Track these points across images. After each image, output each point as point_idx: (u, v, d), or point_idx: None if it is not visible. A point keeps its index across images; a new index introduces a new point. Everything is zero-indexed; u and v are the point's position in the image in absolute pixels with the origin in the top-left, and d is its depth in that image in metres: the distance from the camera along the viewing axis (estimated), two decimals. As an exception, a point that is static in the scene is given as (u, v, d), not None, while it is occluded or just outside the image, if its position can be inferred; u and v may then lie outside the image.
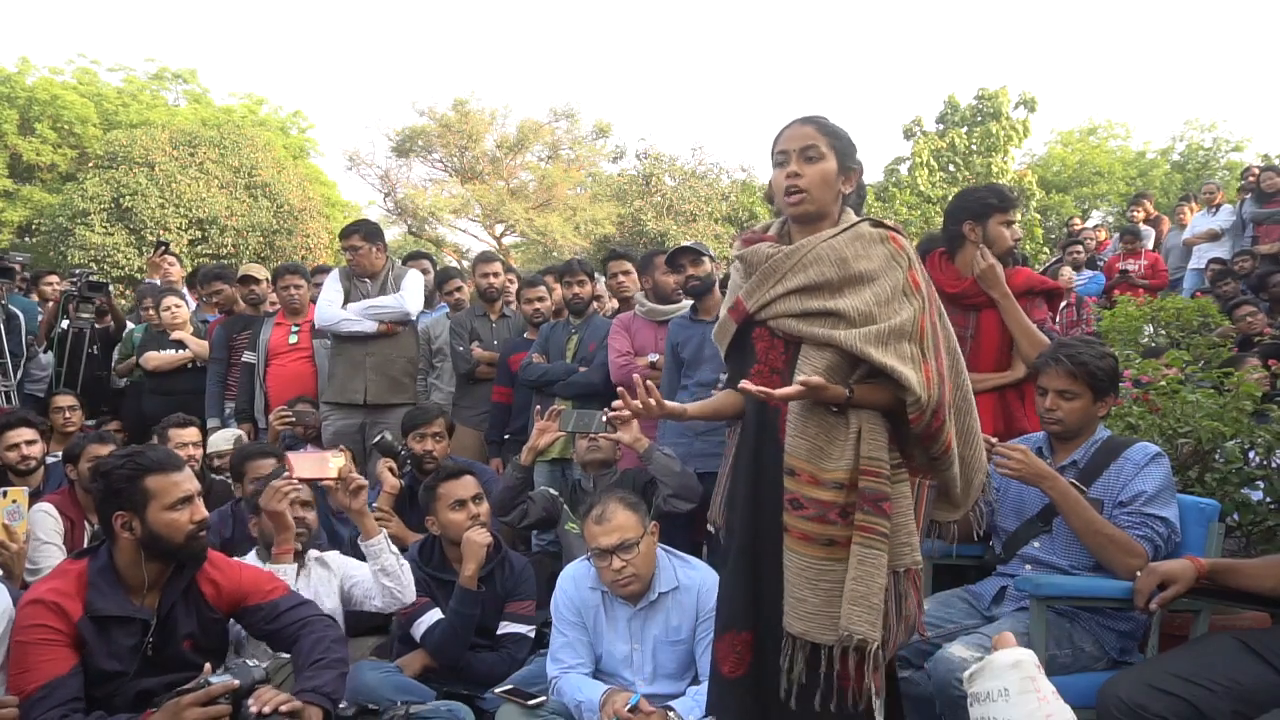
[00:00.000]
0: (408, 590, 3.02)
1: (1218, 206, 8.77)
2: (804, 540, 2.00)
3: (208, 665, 2.28)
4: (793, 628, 2.00)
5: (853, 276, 2.03)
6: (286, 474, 2.97)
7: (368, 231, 4.92)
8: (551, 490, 3.81)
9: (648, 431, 3.68)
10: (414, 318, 5.04)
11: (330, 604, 2.91)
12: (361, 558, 3.10)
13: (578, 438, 3.77)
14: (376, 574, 2.96)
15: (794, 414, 2.06)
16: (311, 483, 3.15)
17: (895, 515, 1.99)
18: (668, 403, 2.19)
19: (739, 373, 2.18)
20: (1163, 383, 3.39)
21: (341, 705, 2.44)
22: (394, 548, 3.02)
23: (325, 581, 3.01)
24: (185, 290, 6.53)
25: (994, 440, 2.57)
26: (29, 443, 3.93)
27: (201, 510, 2.43)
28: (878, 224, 2.11)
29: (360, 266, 4.84)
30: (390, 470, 3.98)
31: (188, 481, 2.42)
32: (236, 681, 2.16)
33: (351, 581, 3.09)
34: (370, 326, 4.74)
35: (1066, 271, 7.80)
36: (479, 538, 3.14)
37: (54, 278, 7.07)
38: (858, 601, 1.94)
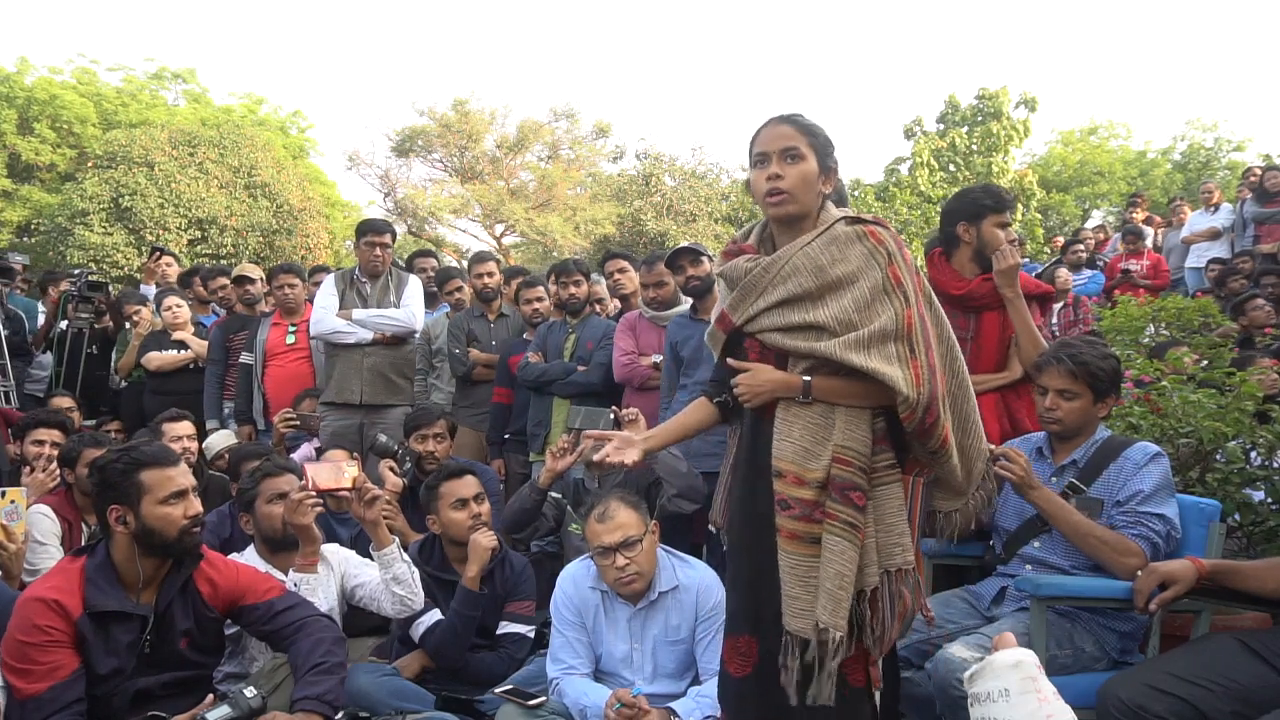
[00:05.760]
0: (419, 598, 3.01)
1: (1216, 206, 8.77)
2: (793, 539, 2.03)
3: (209, 697, 2.29)
4: (790, 625, 2.02)
5: (831, 283, 2.02)
6: (303, 485, 2.97)
7: (394, 232, 5.02)
8: (555, 494, 3.79)
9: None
10: (418, 333, 5.05)
11: (327, 603, 2.89)
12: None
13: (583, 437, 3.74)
14: (389, 582, 2.95)
15: (780, 418, 2.07)
16: (329, 493, 3.15)
17: (885, 515, 2.01)
18: (638, 439, 2.25)
19: (730, 378, 2.19)
20: (1164, 382, 3.38)
21: (337, 717, 2.43)
22: (406, 556, 3.01)
23: (324, 580, 3.00)
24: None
25: (992, 446, 2.57)
26: (54, 444, 3.94)
27: (195, 505, 2.43)
28: (855, 220, 2.07)
29: (374, 266, 4.84)
30: (391, 470, 3.99)
31: (182, 476, 2.42)
32: (234, 714, 2.18)
33: (356, 582, 3.08)
34: (366, 336, 4.74)
35: (1063, 273, 7.79)
36: (486, 541, 3.14)
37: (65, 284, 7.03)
38: (821, 587, 1.97)
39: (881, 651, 2.04)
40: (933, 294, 2.14)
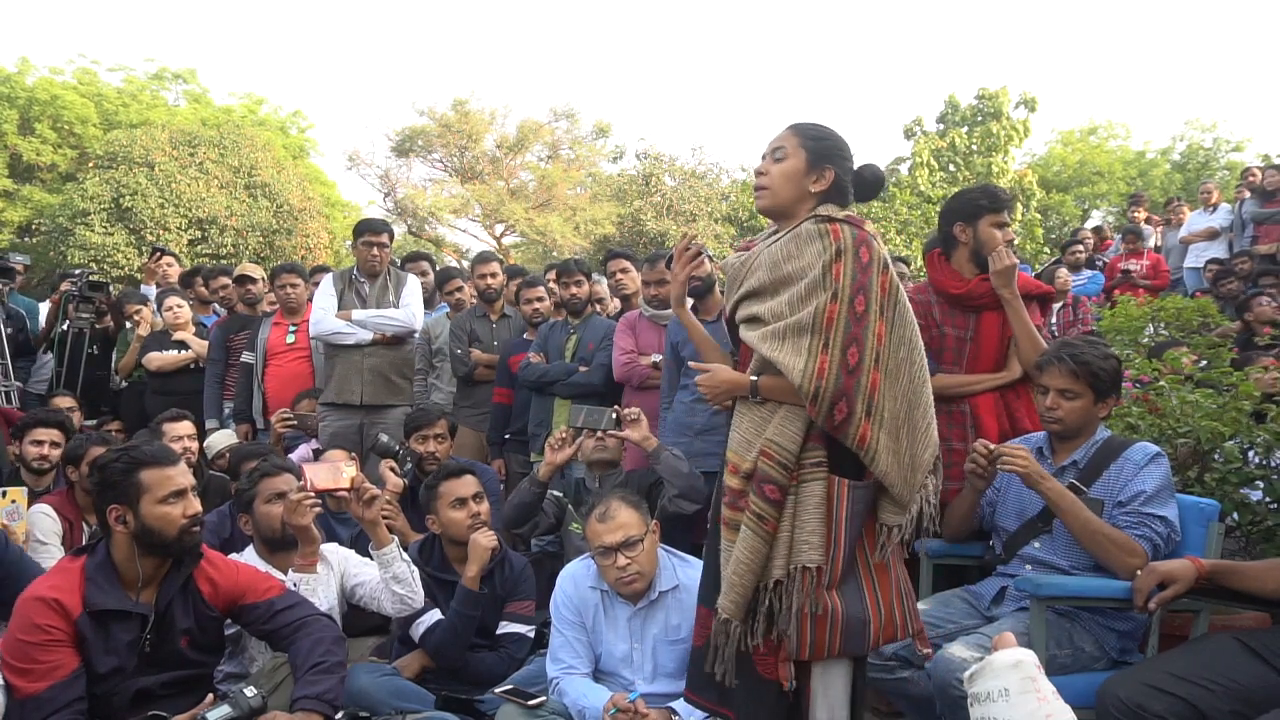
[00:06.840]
0: (419, 596, 3.01)
1: (1215, 206, 8.77)
2: (726, 526, 2.13)
3: (209, 697, 2.30)
4: (719, 604, 2.11)
5: (781, 279, 2.10)
6: (302, 485, 2.96)
7: (391, 232, 5.03)
8: (556, 492, 3.80)
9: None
10: (418, 333, 5.05)
11: (327, 603, 2.89)
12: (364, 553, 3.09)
13: (584, 435, 3.75)
14: (388, 581, 2.95)
15: (737, 411, 2.19)
16: (327, 494, 3.15)
17: (801, 511, 2.05)
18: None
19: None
20: (1162, 382, 3.38)
21: (337, 717, 2.43)
22: (405, 555, 3.01)
23: (323, 580, 3.00)
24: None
25: (991, 445, 2.57)
26: (53, 444, 3.96)
27: (195, 505, 2.44)
28: (824, 219, 2.09)
29: (372, 266, 4.84)
30: (392, 470, 3.99)
31: (181, 476, 2.42)
32: (234, 714, 2.19)
33: (356, 581, 3.08)
34: (365, 337, 4.74)
35: (1063, 273, 7.78)
36: (486, 541, 3.14)
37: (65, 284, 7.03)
38: (724, 572, 2.08)
39: (795, 652, 2.03)
40: (903, 296, 2.10)
